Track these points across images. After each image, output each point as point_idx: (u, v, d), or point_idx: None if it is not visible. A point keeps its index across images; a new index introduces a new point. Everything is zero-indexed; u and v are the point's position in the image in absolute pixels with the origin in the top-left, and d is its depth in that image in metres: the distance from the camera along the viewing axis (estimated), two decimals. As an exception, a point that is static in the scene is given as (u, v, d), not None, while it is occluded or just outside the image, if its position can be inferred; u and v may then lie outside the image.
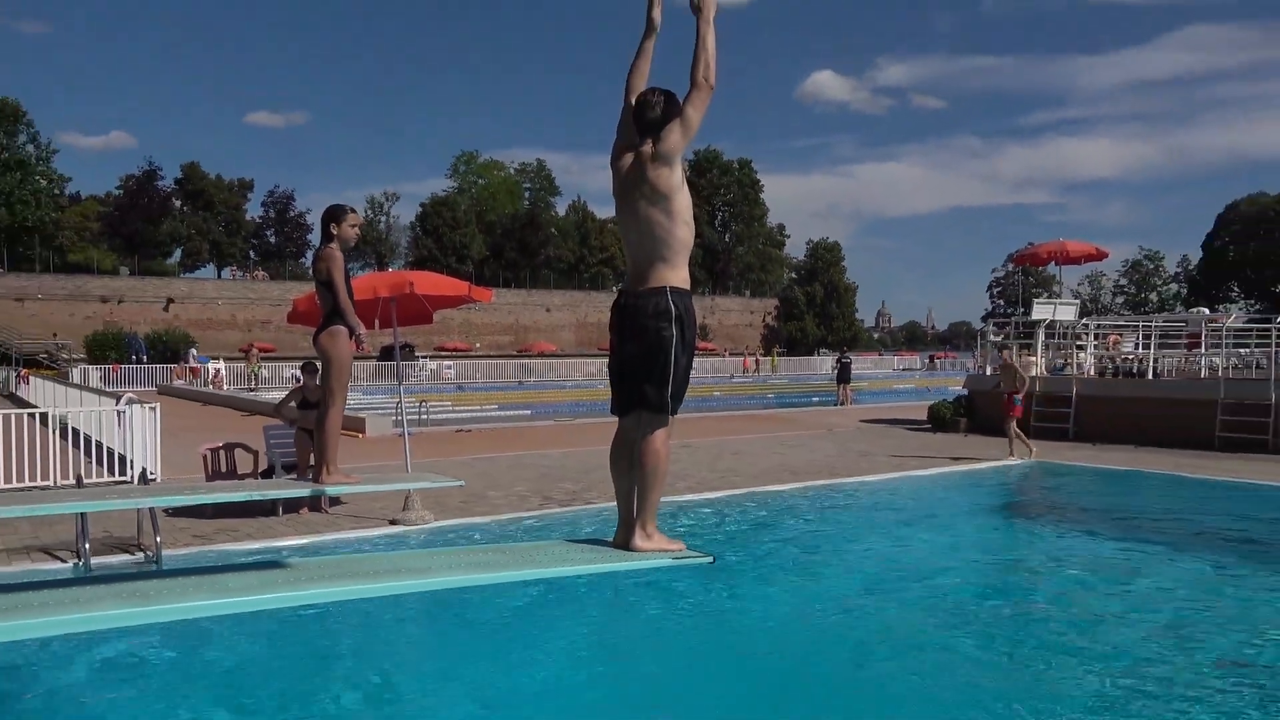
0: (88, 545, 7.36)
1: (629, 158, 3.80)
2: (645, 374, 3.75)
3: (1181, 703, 4.98)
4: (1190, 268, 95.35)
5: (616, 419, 3.96)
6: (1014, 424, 14.79)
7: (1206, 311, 21.41)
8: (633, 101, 3.84)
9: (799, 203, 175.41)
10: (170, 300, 67.28)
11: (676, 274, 3.79)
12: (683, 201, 3.75)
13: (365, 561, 3.48)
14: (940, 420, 19.80)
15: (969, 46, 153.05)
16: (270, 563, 3.33)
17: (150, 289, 67.76)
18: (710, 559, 3.82)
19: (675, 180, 3.73)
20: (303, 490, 5.05)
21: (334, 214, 5.14)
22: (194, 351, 49.14)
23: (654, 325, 3.72)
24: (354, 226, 5.19)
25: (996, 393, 16.03)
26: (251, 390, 36.43)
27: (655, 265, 3.76)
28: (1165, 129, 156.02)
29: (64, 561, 7.66)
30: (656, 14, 3.88)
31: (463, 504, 10.37)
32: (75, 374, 39.24)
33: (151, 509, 7.49)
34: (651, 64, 3.98)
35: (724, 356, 62.95)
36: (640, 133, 3.78)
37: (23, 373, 37.88)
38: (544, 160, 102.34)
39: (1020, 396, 14.92)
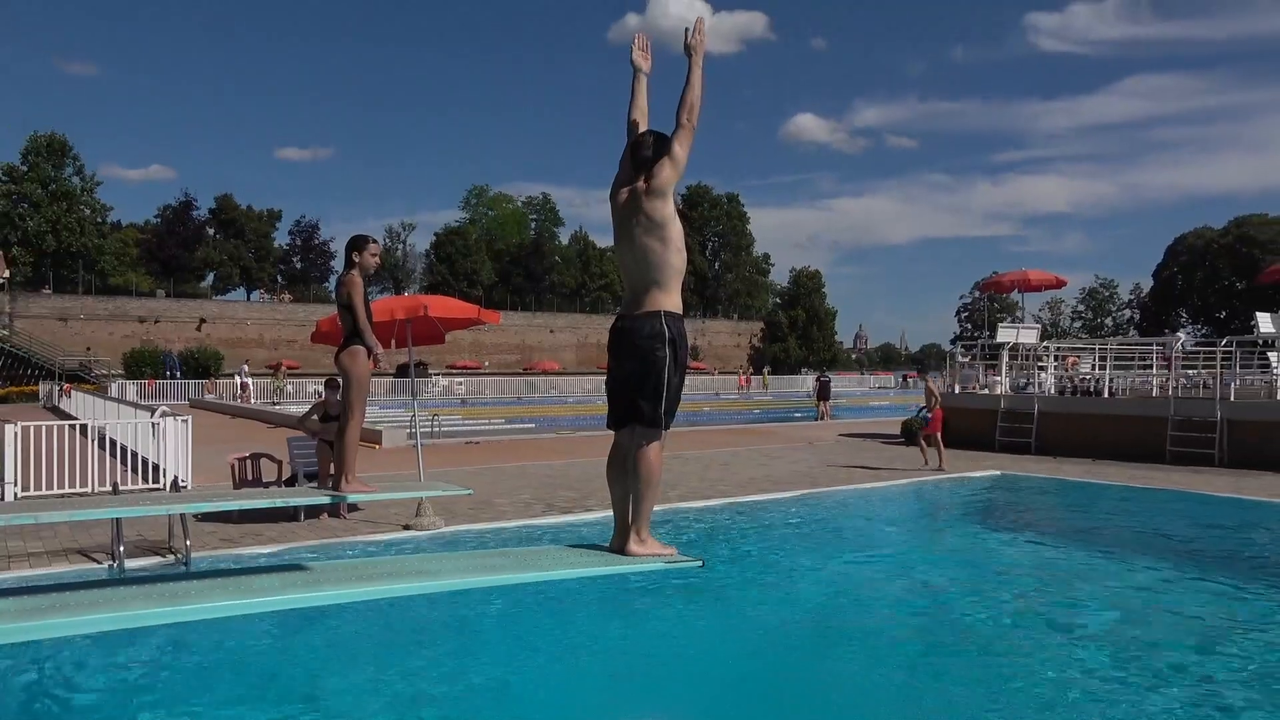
0: (122, 548, 7.30)
1: (625, 192, 3.84)
2: (640, 391, 3.76)
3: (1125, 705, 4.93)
4: (1142, 295, 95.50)
5: (614, 433, 3.97)
6: (936, 436, 15.12)
7: (1182, 336, 21.43)
8: (629, 142, 3.90)
9: (783, 233, 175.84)
10: (202, 320, 67.19)
11: (670, 298, 3.80)
12: (675, 230, 3.77)
13: (378, 565, 3.45)
14: (912, 434, 19.72)
15: (938, 92, 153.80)
16: (291, 565, 3.30)
17: (184, 310, 67.69)
18: (700, 562, 3.81)
19: (668, 211, 3.75)
20: (324, 498, 5.02)
21: (357, 243, 5.16)
22: (245, 367, 46.79)
23: (648, 346, 3.74)
24: (374, 255, 5.21)
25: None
26: (276, 404, 36.34)
27: (650, 290, 3.78)
28: (1117, 168, 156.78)
29: (99, 563, 7.60)
30: (637, 58, 3.93)
31: (471, 511, 10.32)
32: (114, 389, 39.10)
33: (182, 514, 7.45)
34: (650, 99, 4.02)
35: (714, 375, 63.02)
36: (635, 170, 3.83)
37: (65, 387, 37.74)
38: (549, 194, 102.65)
39: (931, 414, 15.40)
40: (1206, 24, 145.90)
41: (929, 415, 15.39)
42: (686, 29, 3.79)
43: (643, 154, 3.79)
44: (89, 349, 57.75)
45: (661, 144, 3.78)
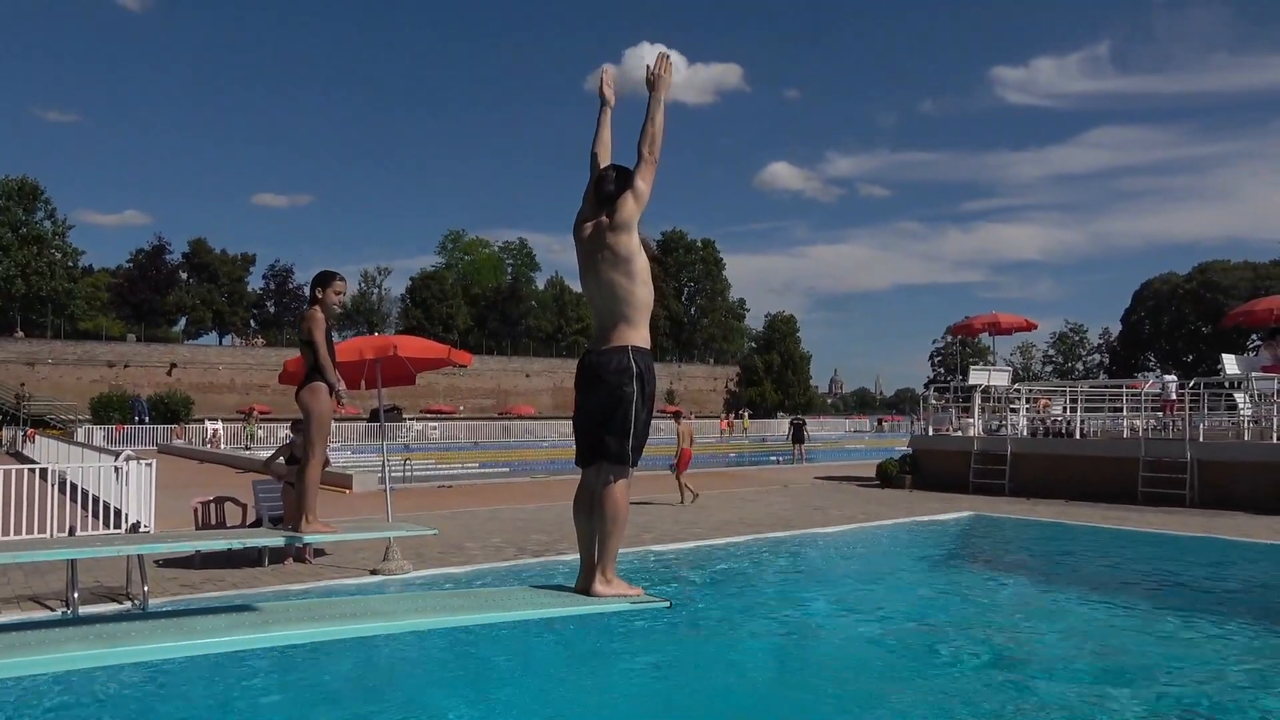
0: (76, 594, 7.07)
1: (589, 227, 3.81)
2: (607, 427, 3.70)
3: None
4: (1111, 340, 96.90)
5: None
6: (683, 474, 16.14)
7: (1173, 378, 21.68)
8: (592, 177, 3.88)
9: (758, 279, 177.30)
10: (173, 365, 66.38)
11: (638, 333, 3.76)
12: (641, 264, 3.74)
13: (334, 605, 3.33)
14: (887, 477, 19.75)
15: (909, 143, 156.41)
16: (242, 606, 3.18)
17: (155, 354, 66.88)
18: (667, 603, 3.71)
19: (633, 245, 3.72)
20: (281, 539, 4.87)
21: (322, 279, 5.07)
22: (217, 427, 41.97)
23: (615, 381, 3.68)
24: (339, 293, 5.10)
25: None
26: (247, 449, 35.78)
27: (618, 325, 3.74)
28: (1084, 217, 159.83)
29: (53, 610, 7.35)
30: (608, 91, 3.94)
31: (441, 554, 10.12)
32: (80, 433, 38.37)
33: (140, 558, 7.23)
34: (613, 133, 4.01)
35: (691, 419, 62.78)
36: (598, 204, 3.80)
37: (29, 432, 36.99)
38: (525, 239, 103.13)
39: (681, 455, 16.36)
40: (1165, 79, 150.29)
41: (675, 460, 16.34)
42: (648, 65, 3.78)
43: (606, 189, 3.77)
44: (23, 384, 56.55)
45: (624, 179, 3.76)
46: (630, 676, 6.24)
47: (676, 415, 19.25)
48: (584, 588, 3.72)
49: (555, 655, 6.60)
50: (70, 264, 70.25)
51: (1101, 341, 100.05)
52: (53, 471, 13.01)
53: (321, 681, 5.89)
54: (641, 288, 3.74)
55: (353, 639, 3.80)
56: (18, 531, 10.81)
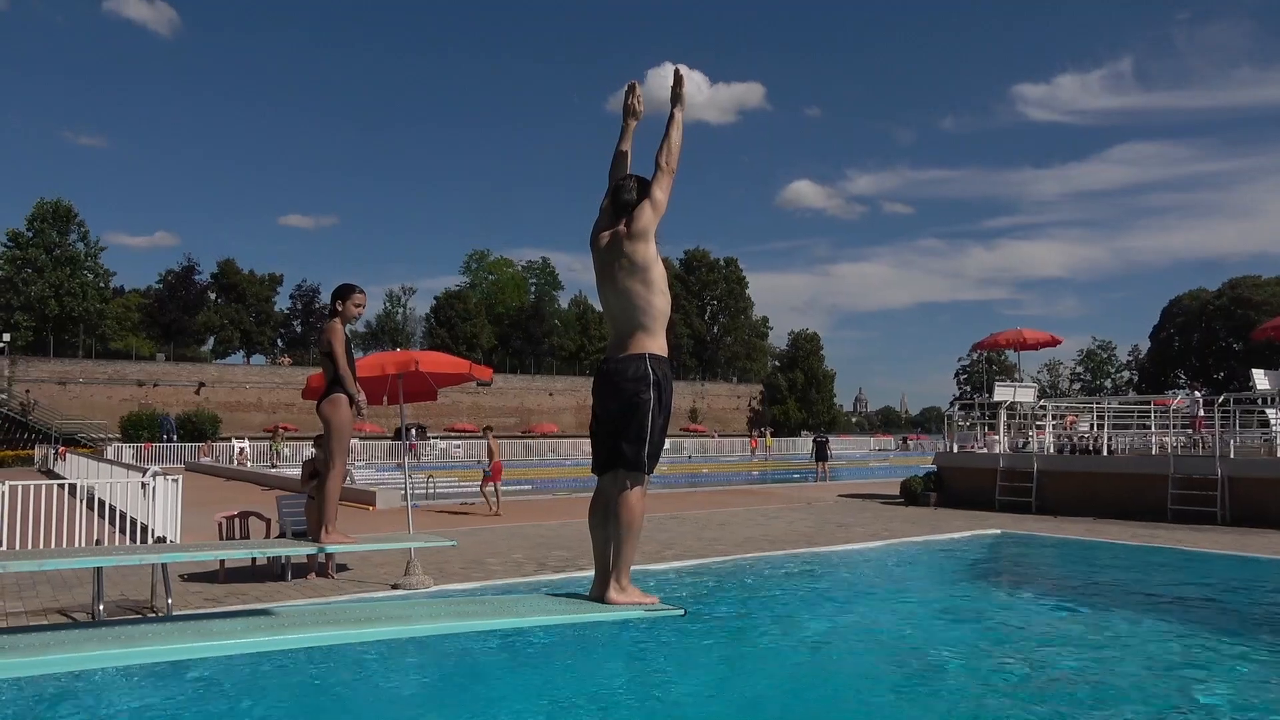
0: (102, 607, 7.15)
1: (606, 236, 3.85)
2: (623, 434, 3.71)
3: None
4: (1140, 357, 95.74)
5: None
6: (493, 486, 17.63)
7: (1199, 394, 21.44)
8: (611, 186, 3.93)
9: (781, 297, 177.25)
10: (201, 384, 67.14)
11: (655, 341, 3.78)
12: (658, 272, 3.77)
13: (350, 610, 3.35)
14: (912, 494, 19.57)
15: (930, 160, 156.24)
16: (259, 611, 3.20)
17: (184, 374, 67.69)
18: (682, 611, 3.70)
19: (650, 254, 3.75)
20: (303, 549, 4.91)
21: (342, 292, 5.14)
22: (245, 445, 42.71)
23: (632, 389, 3.70)
24: (359, 306, 5.16)
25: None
26: (274, 467, 36.09)
27: (635, 333, 3.76)
28: (1108, 233, 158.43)
29: (78, 623, 7.43)
30: (633, 102, 3.99)
31: (463, 569, 10.14)
32: (109, 451, 38.86)
33: (164, 570, 7.30)
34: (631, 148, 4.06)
35: (714, 438, 62.81)
36: (616, 213, 3.84)
37: (60, 450, 37.51)
38: (548, 258, 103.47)
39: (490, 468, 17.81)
40: (1187, 95, 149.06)
41: (489, 469, 17.81)
42: (678, 73, 3.89)
43: (624, 198, 3.82)
44: (29, 392, 57.38)
45: (643, 188, 3.81)
46: (645, 687, 6.21)
47: (486, 430, 20.44)
48: (599, 595, 3.72)
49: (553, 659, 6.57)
50: (102, 285, 71.38)
51: (1131, 358, 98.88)
52: (81, 487, 13.17)
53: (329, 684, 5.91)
54: (659, 296, 3.76)
55: (370, 642, 3.81)
56: (45, 545, 10.96)
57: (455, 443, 54.13)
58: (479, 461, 43.75)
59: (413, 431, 50.19)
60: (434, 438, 56.82)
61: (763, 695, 6.12)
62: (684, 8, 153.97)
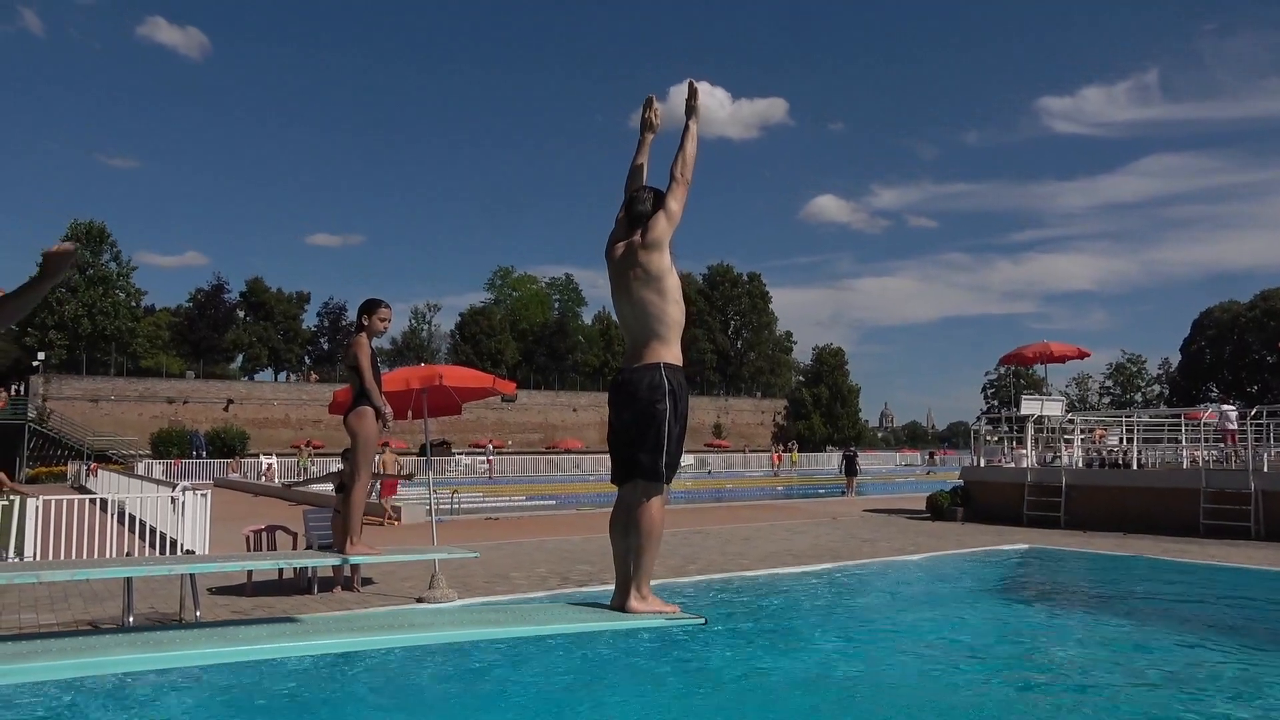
0: (132, 619, 7.24)
1: (621, 246, 3.89)
2: (641, 443, 3.73)
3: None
4: (1171, 370, 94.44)
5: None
6: (389, 500, 18.84)
7: (1231, 407, 21.17)
8: (627, 197, 3.98)
9: (805, 312, 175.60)
10: (230, 401, 67.93)
11: (670, 350, 3.81)
12: (672, 282, 3.80)
13: (373, 618, 3.39)
14: (938, 509, 19.41)
15: (954, 174, 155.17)
16: (283, 618, 3.25)
17: (213, 391, 68.54)
18: (703, 620, 3.71)
19: (665, 264, 3.79)
20: (327, 560, 4.97)
21: (368, 306, 5.21)
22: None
23: (649, 398, 3.72)
24: (384, 320, 5.23)
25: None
26: (301, 482, 36.37)
27: (650, 343, 3.79)
28: (1136, 246, 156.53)
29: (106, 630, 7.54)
30: (650, 116, 4.05)
31: (486, 583, 10.18)
32: (140, 468, 39.38)
33: (193, 582, 7.39)
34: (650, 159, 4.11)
35: (745, 452, 62.79)
36: (631, 224, 3.88)
37: (92, 466, 38.06)
38: (572, 275, 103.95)
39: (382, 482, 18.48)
40: (1214, 106, 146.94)
41: (378, 486, 18.48)
42: (693, 87, 3.94)
43: (639, 208, 3.86)
44: (47, 404, 58.36)
45: (658, 199, 3.86)
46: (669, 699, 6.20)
47: (384, 445, 20.92)
48: (619, 604, 3.74)
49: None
50: (133, 304, 72.54)
51: (1161, 372, 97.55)
52: (112, 502, 13.37)
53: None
54: (673, 305, 3.80)
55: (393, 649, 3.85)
56: (78, 558, 11.14)
57: (480, 458, 54.33)
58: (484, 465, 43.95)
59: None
60: (458, 453, 57.07)
61: (787, 713, 6.09)
62: (706, 25, 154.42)
